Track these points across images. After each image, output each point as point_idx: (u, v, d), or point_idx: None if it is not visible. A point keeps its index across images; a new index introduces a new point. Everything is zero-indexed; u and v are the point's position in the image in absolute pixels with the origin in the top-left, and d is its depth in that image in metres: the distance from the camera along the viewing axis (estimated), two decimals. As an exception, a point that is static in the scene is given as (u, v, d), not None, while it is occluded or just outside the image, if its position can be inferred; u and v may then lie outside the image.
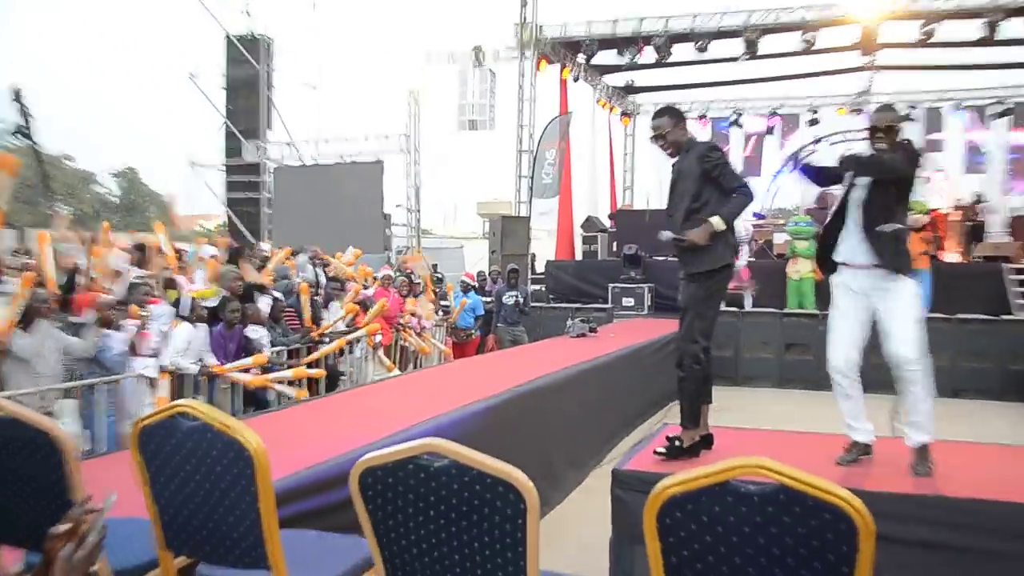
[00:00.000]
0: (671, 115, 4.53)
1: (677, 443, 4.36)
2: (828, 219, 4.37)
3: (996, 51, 17.50)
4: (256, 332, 7.41)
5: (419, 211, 21.66)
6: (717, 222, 4.18)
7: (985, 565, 3.68)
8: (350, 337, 8.60)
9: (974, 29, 15.48)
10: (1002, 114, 20.75)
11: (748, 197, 4.26)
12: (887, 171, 4.04)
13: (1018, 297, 12.79)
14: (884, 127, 4.11)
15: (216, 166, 25.11)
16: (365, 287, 10.39)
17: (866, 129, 4.22)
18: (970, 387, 11.17)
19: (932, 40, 15.91)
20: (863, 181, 4.11)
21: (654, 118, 4.58)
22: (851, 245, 4.16)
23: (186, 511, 2.39)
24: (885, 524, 3.65)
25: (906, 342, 4.00)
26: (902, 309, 4.04)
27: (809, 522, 1.68)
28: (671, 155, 4.50)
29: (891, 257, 4.03)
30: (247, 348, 7.25)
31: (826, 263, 4.32)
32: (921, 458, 4.07)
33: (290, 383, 7.24)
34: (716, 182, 4.24)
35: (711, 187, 4.25)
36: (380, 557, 2.15)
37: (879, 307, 4.10)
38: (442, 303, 12.61)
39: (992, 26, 15.02)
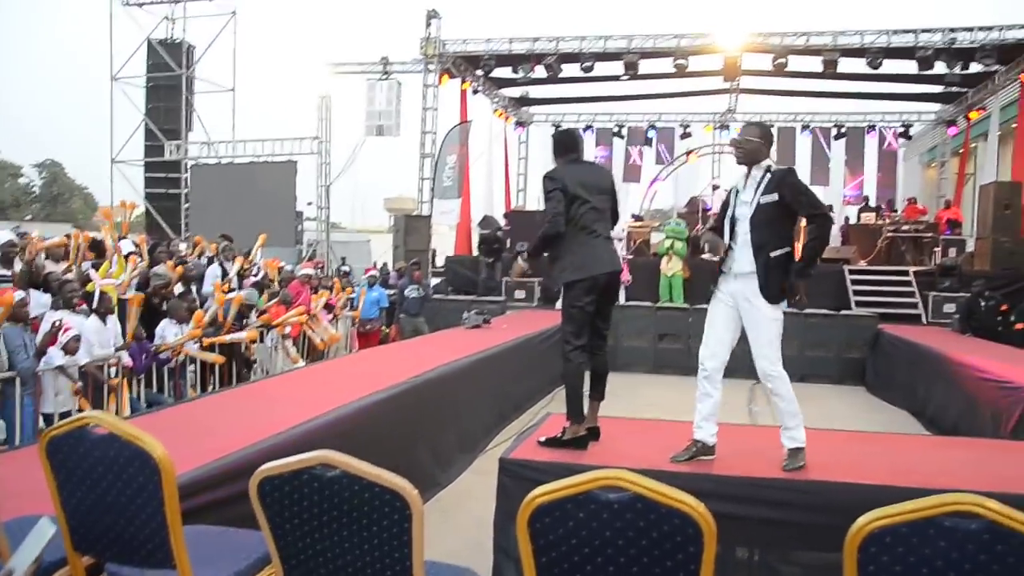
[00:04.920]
0: (552, 150, 4.63)
1: (560, 435, 4.38)
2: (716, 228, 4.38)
3: (836, 83, 18.59)
4: (172, 330, 7.16)
5: (329, 208, 21.28)
6: (521, 261, 4.51)
7: (816, 536, 3.84)
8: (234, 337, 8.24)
9: (817, 63, 16.51)
10: (839, 136, 22.10)
11: (550, 227, 4.28)
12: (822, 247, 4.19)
13: (855, 295, 13.43)
14: (752, 140, 4.10)
15: (136, 163, 24.14)
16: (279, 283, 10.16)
17: (731, 141, 4.23)
18: (814, 373, 11.64)
19: (786, 70, 16.78)
20: (745, 197, 4.09)
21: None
22: (732, 255, 4.13)
23: (94, 514, 2.30)
24: (736, 505, 3.85)
25: (764, 357, 4.04)
26: (759, 327, 4.04)
27: (662, 527, 1.72)
28: None
29: (765, 278, 4.00)
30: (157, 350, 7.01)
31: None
32: (792, 457, 4.08)
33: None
34: None
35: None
36: (278, 556, 2.12)
37: (744, 317, 4.09)
38: (349, 296, 12.43)
39: (831, 62, 16.12)
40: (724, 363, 4.20)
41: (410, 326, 11.73)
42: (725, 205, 4.31)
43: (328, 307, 10.66)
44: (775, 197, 3.98)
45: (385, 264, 14.89)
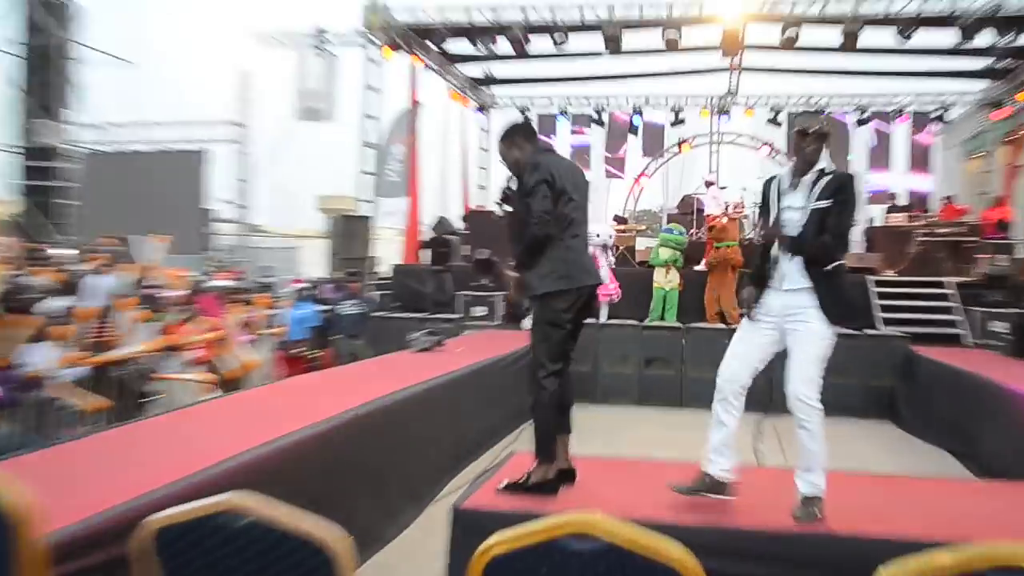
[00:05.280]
0: (505, 136, 4.64)
1: (524, 479, 4.36)
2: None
3: (857, 59, 18.74)
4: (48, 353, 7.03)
5: (248, 207, 21.16)
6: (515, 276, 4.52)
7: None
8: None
9: (835, 36, 16.59)
10: (861, 122, 22.36)
11: (538, 229, 4.30)
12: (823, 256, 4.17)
13: (882, 312, 13.48)
14: (814, 132, 4.18)
15: (12, 150, 23.67)
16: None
17: (795, 132, 4.26)
18: (833, 404, 11.47)
19: (797, 45, 16.88)
20: (796, 202, 4.18)
21: (499, 143, 4.68)
22: (780, 266, 4.22)
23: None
24: (737, 562, 3.84)
25: (802, 379, 4.09)
26: (807, 344, 4.10)
27: (641, 581, 1.69)
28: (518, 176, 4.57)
29: (825, 293, 4.10)
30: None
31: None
32: (807, 505, 4.10)
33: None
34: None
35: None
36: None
37: (788, 336, 4.16)
38: (271, 313, 12.33)
39: (852, 34, 16.19)
40: (744, 388, 4.27)
41: (347, 349, 11.67)
42: (765, 211, 4.39)
43: (246, 326, 10.56)
44: (831, 203, 4.10)
45: (321, 278, 14.75)
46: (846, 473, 5.17)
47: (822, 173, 4.16)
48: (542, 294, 4.36)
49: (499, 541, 1.76)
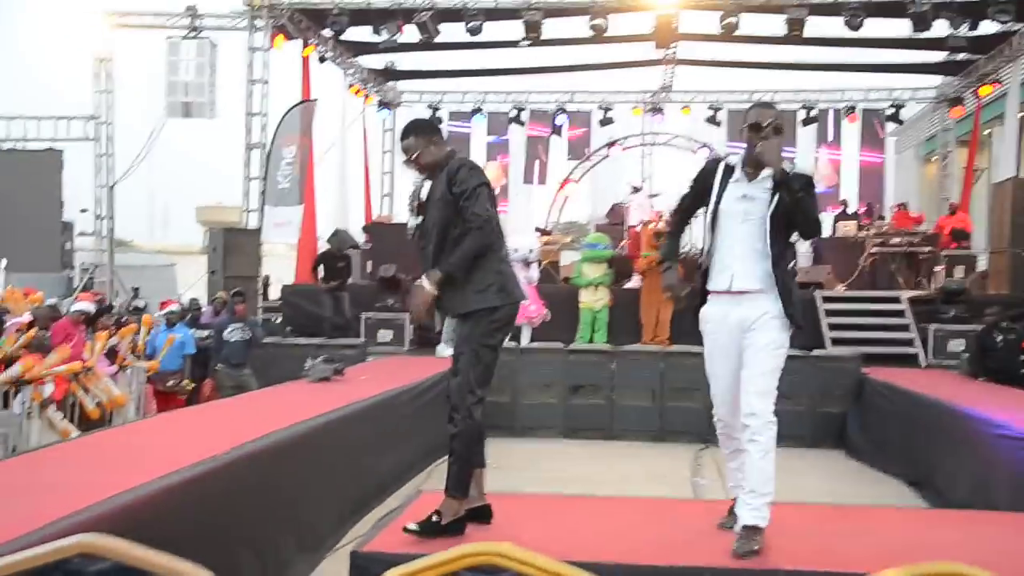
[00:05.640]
0: (419, 132, 4.70)
1: (435, 518, 4.36)
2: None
3: (803, 50, 19.14)
4: None
5: (113, 218, 20.66)
6: (432, 280, 4.36)
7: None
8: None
9: (779, 24, 16.82)
10: (808, 121, 22.72)
11: (482, 235, 4.35)
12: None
13: (831, 330, 13.76)
14: (769, 126, 4.27)
15: None
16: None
17: (748, 126, 4.32)
18: (780, 433, 11.79)
19: (737, 34, 17.08)
20: (755, 192, 4.26)
21: (402, 138, 4.73)
22: (730, 265, 4.28)
23: None
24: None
25: (757, 392, 4.23)
26: (762, 354, 4.23)
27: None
28: (429, 179, 4.63)
29: (788, 296, 4.24)
30: None
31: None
32: (747, 537, 4.15)
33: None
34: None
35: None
36: None
37: (744, 343, 4.27)
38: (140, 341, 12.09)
39: (797, 23, 16.34)
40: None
41: (231, 380, 11.51)
42: (700, 190, 4.51)
43: (111, 356, 10.34)
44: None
45: (195, 299, 14.51)
46: (792, 504, 5.27)
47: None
48: (479, 311, 4.40)
49: (394, 577, 1.76)
